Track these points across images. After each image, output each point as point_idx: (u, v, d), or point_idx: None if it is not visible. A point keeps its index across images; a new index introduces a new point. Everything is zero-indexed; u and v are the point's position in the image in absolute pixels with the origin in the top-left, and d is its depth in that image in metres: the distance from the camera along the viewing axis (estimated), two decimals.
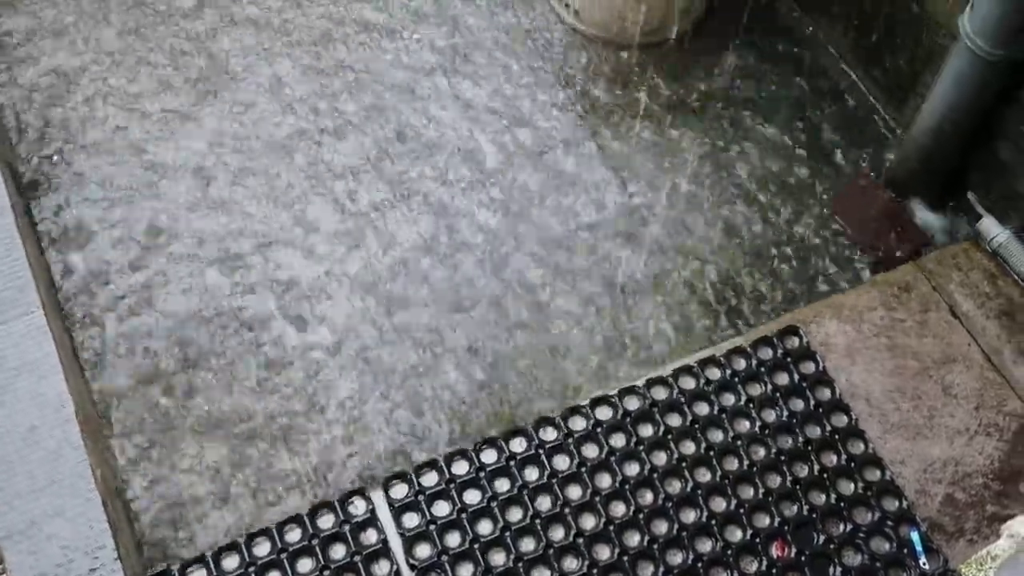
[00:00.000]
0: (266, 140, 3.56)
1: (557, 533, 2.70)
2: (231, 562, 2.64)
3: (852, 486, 2.81)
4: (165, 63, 3.73)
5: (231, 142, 3.55)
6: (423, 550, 2.67)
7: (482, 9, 3.99)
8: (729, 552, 2.69)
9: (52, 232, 3.30)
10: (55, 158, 3.46)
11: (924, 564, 2.69)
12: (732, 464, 2.83)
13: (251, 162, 3.51)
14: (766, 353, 3.03)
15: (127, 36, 3.79)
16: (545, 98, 3.75)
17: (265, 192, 3.45)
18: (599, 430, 2.85)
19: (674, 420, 2.89)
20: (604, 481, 2.78)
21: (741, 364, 3.00)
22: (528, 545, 2.68)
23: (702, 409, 2.92)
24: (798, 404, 2.94)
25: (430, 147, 3.59)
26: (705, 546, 2.70)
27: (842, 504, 2.77)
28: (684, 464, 2.81)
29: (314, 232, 3.36)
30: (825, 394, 2.95)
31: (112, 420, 2.98)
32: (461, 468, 2.79)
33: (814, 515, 2.75)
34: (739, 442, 2.86)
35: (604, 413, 2.89)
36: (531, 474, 2.79)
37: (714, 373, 2.98)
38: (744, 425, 2.90)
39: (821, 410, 2.92)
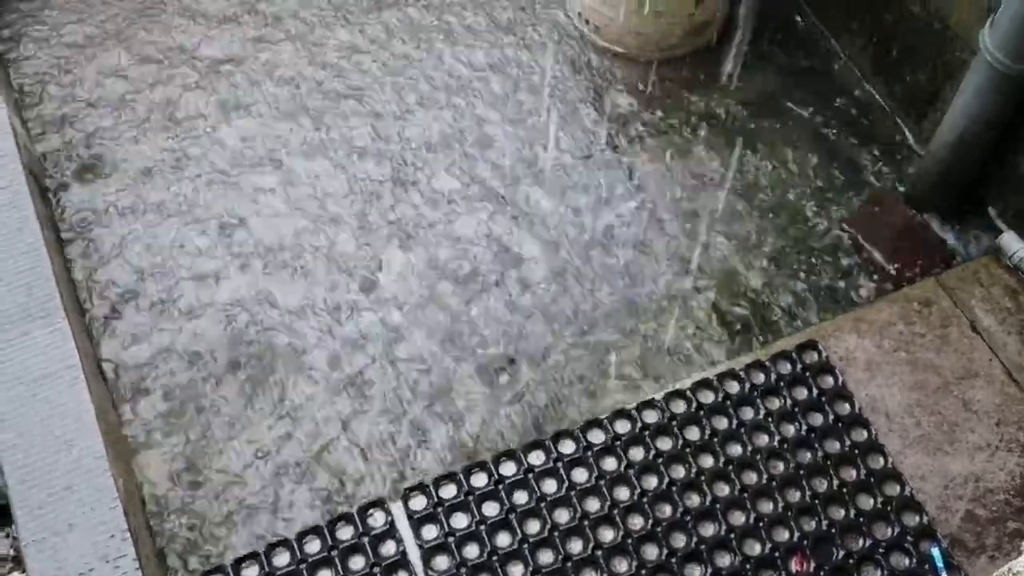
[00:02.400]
0: None
1: (575, 545, 2.70)
2: (250, 572, 2.65)
3: (872, 501, 2.80)
4: None
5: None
6: (441, 562, 2.67)
7: (501, 25, 4.02)
8: (748, 566, 2.68)
9: (77, 241, 3.34)
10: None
11: None
12: (751, 478, 2.83)
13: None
14: (785, 367, 3.02)
15: None
16: (564, 113, 3.76)
17: None
18: (618, 443, 2.85)
19: (693, 434, 2.89)
20: (623, 494, 2.78)
21: (760, 378, 3.00)
22: (546, 557, 2.68)
23: (721, 423, 2.92)
24: (817, 419, 2.93)
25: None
26: (724, 560, 2.69)
27: (862, 519, 2.76)
28: (703, 478, 2.81)
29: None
30: (844, 409, 2.95)
31: (135, 429, 3.00)
32: (480, 480, 2.79)
33: (833, 530, 2.74)
34: (758, 456, 2.85)
35: (623, 426, 2.90)
36: (550, 487, 2.79)
37: (733, 387, 2.98)
38: (763, 439, 2.90)
39: (840, 425, 2.91)
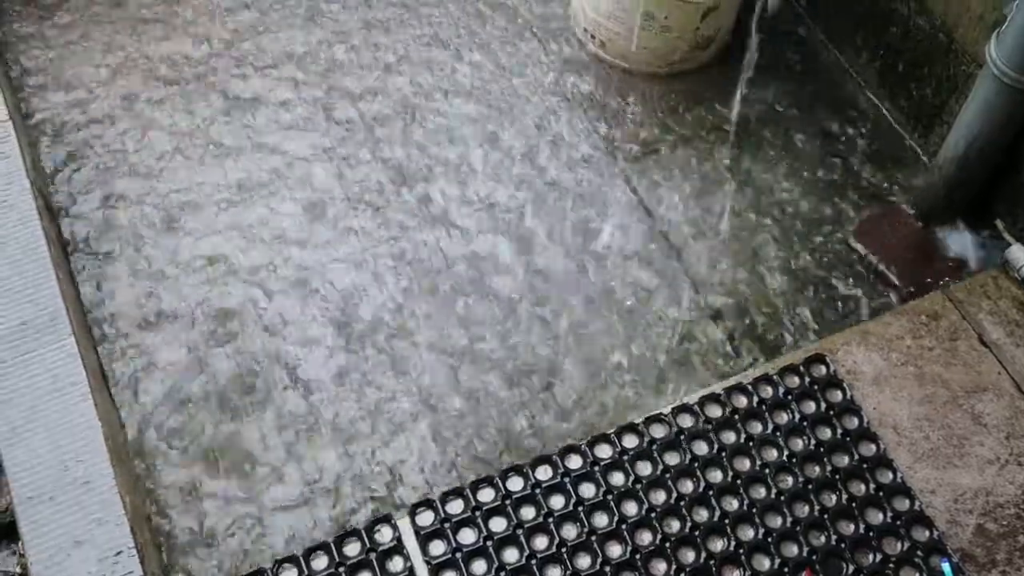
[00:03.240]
0: None
1: (583, 561, 2.69)
2: None
3: (881, 516, 2.78)
4: None
5: None
6: None
7: (507, 39, 4.03)
8: None
9: (84, 259, 3.35)
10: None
11: None
12: (759, 493, 2.81)
13: None
14: (793, 381, 3.01)
15: None
16: (567, 127, 3.77)
17: None
18: (626, 458, 2.85)
19: (701, 448, 2.88)
20: (631, 509, 2.77)
21: (768, 392, 2.99)
22: (554, 573, 2.67)
23: (729, 437, 2.90)
24: (825, 433, 2.92)
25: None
26: None
27: (871, 534, 2.75)
28: (711, 492, 2.79)
29: None
30: (853, 423, 2.93)
31: (142, 445, 3.00)
32: (487, 496, 2.78)
33: (843, 545, 2.73)
34: (766, 471, 2.84)
35: (631, 441, 2.89)
36: (557, 502, 2.78)
37: (741, 401, 2.97)
38: (771, 454, 2.88)
39: (849, 439, 2.90)
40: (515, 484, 2.80)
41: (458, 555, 2.68)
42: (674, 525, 2.75)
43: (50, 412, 2.76)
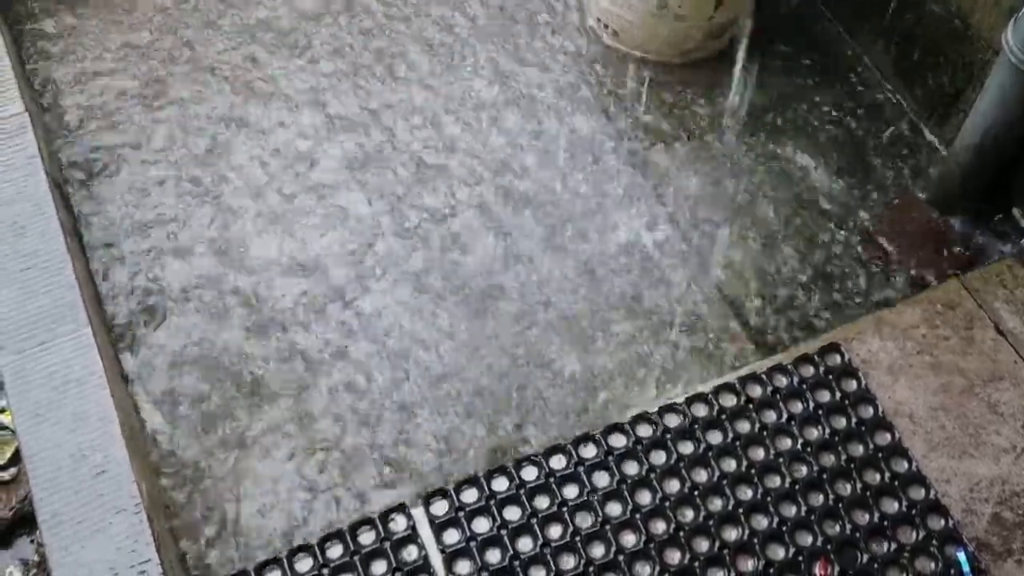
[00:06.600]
0: None
1: (597, 550, 2.69)
2: None
3: (896, 505, 2.78)
4: None
5: None
6: (463, 566, 2.67)
7: (518, 27, 4.03)
8: (772, 571, 2.66)
9: (100, 248, 3.37)
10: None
11: None
12: (774, 482, 2.81)
13: None
14: (807, 371, 3.01)
15: None
16: (580, 117, 3.76)
17: None
18: (639, 447, 2.85)
19: (715, 437, 2.88)
20: (644, 498, 2.77)
21: (783, 382, 2.99)
22: (568, 562, 2.67)
23: (743, 427, 2.90)
24: (840, 422, 2.91)
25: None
26: (747, 564, 2.68)
27: (886, 523, 2.74)
28: (725, 482, 2.80)
29: None
30: (868, 412, 2.93)
31: (158, 433, 3.02)
32: (501, 485, 2.79)
33: (857, 534, 2.72)
34: (781, 460, 2.84)
35: (644, 430, 2.89)
36: (571, 491, 2.78)
37: (755, 391, 2.97)
38: (786, 443, 2.88)
39: (864, 428, 2.89)
40: (529, 473, 2.81)
41: (472, 544, 2.69)
42: (688, 514, 2.75)
43: (67, 402, 2.78)
